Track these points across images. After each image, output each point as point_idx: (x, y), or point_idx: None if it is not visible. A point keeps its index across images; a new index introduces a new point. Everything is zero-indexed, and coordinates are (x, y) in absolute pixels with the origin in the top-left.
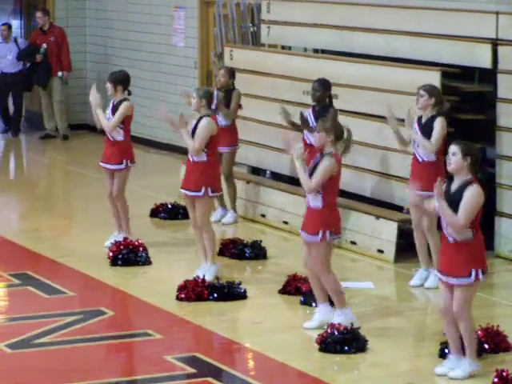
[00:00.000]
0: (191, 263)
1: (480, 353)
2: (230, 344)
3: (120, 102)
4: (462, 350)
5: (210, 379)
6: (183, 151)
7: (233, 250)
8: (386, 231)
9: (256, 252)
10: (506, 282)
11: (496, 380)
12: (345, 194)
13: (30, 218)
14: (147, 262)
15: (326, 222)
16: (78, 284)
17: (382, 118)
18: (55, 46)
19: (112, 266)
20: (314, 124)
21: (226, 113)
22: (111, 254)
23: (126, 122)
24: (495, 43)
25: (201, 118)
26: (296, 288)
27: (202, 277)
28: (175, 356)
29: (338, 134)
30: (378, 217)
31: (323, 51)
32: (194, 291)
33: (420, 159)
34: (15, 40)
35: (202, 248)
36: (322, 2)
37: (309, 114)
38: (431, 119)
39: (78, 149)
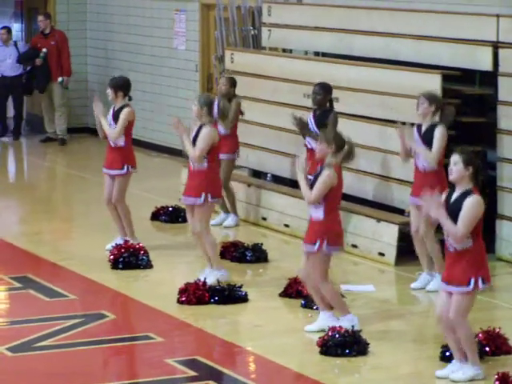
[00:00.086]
0: (192, 266)
1: (481, 356)
2: (231, 347)
3: (121, 109)
4: (464, 355)
5: (211, 382)
6: (184, 154)
7: (234, 253)
8: (387, 234)
9: (257, 255)
10: (507, 285)
11: (497, 383)
12: (346, 197)
13: (30, 221)
14: (148, 265)
15: (324, 233)
16: (79, 287)
17: (382, 121)
18: (56, 50)
19: (113, 269)
20: (315, 129)
21: (225, 125)
22: (112, 257)
23: (127, 128)
24: (496, 46)
25: (201, 126)
26: (297, 291)
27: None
28: (176, 359)
29: (339, 145)
30: (378, 220)
31: (324, 54)
32: (194, 294)
33: (422, 169)
34: (15, 44)
35: (204, 254)
36: (322, 5)
37: (309, 118)
38: (431, 127)
39: (79, 152)
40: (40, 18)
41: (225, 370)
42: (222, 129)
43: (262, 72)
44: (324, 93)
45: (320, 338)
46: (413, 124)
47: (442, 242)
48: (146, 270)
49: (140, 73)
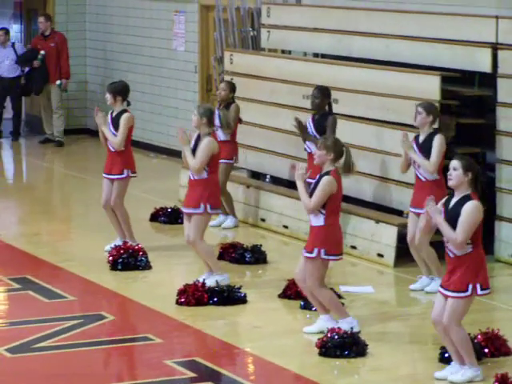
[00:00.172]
0: (191, 267)
1: (480, 357)
2: (230, 348)
3: (119, 114)
4: (462, 357)
5: (210, 383)
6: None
7: (233, 254)
8: (386, 235)
9: (256, 256)
10: (506, 287)
11: None
12: (345, 198)
13: (29, 222)
14: (147, 266)
15: (322, 240)
16: (78, 288)
17: (381, 122)
18: (55, 52)
19: (112, 270)
20: (314, 132)
21: (226, 131)
22: (111, 258)
23: (127, 133)
24: (495, 47)
25: (200, 136)
26: (296, 292)
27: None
28: (175, 360)
29: (339, 153)
30: (377, 221)
31: (323, 55)
32: (193, 295)
33: (423, 179)
34: (13, 45)
35: (203, 261)
36: (321, 6)
37: (308, 122)
38: (429, 137)
39: (78, 153)
40: (40, 19)
41: (224, 371)
42: (221, 134)
43: (261, 73)
44: (322, 96)
45: (319, 339)
46: (412, 126)
47: (441, 244)
48: (144, 271)
49: (139, 74)
